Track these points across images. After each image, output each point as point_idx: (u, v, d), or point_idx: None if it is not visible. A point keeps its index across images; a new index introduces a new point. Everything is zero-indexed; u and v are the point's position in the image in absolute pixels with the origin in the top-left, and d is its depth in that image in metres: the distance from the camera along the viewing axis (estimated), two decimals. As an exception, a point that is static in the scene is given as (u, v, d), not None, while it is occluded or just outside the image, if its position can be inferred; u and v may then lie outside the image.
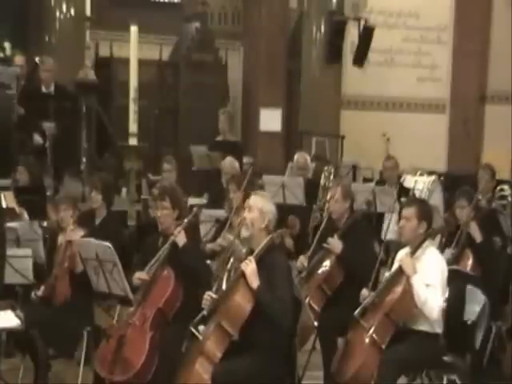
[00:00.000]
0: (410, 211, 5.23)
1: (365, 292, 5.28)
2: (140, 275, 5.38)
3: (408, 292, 5.03)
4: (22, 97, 9.31)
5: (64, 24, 11.04)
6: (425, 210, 5.29)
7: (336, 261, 6.01)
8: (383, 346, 5.04)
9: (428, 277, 5.05)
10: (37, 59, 9.87)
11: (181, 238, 5.40)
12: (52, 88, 9.52)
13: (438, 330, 5.16)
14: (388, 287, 5.16)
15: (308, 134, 12.55)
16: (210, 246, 6.74)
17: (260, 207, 4.82)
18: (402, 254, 5.24)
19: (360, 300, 5.26)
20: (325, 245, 6.05)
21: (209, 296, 4.84)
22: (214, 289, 4.93)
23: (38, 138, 9.22)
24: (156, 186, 6.85)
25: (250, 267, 4.68)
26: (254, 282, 4.66)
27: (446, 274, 5.16)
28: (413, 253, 5.16)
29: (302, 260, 6.26)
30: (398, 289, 5.09)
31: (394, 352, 5.01)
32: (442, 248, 6.70)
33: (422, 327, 5.13)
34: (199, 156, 9.63)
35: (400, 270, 5.14)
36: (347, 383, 5.04)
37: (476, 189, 7.34)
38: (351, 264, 5.91)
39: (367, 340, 5.08)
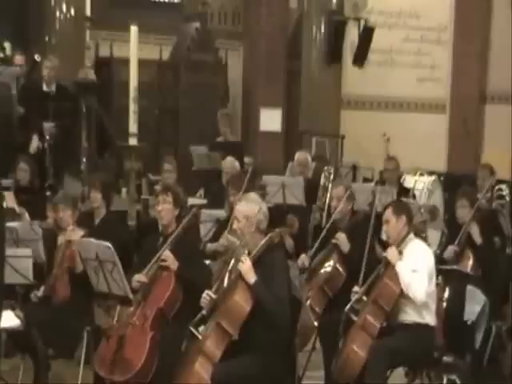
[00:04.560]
0: (386, 214, 5.44)
1: (356, 289, 5.37)
2: (139, 277, 5.37)
3: (392, 278, 5.18)
4: (22, 96, 9.30)
5: (64, 24, 11.03)
6: (398, 206, 5.56)
7: (339, 261, 6.01)
8: (374, 333, 5.13)
9: (413, 263, 5.21)
10: (36, 56, 9.84)
11: None
12: (53, 87, 9.50)
13: (430, 320, 5.23)
14: (375, 280, 5.31)
15: (308, 134, 12.53)
16: (211, 247, 6.74)
17: (244, 214, 4.87)
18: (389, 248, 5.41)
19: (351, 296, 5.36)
20: (333, 240, 6.05)
21: (207, 295, 4.86)
22: (213, 289, 4.94)
23: (35, 144, 9.16)
24: (158, 183, 6.86)
25: (245, 265, 4.73)
26: (251, 279, 4.70)
27: (432, 261, 5.30)
28: (397, 246, 5.33)
29: (304, 259, 6.27)
30: (383, 278, 5.26)
31: (386, 340, 5.12)
32: (442, 247, 6.71)
33: (412, 317, 5.22)
34: (199, 156, 9.63)
35: (385, 263, 5.32)
36: (340, 368, 5.12)
37: (476, 189, 7.34)
38: (354, 265, 5.90)
39: (357, 325, 5.18)
